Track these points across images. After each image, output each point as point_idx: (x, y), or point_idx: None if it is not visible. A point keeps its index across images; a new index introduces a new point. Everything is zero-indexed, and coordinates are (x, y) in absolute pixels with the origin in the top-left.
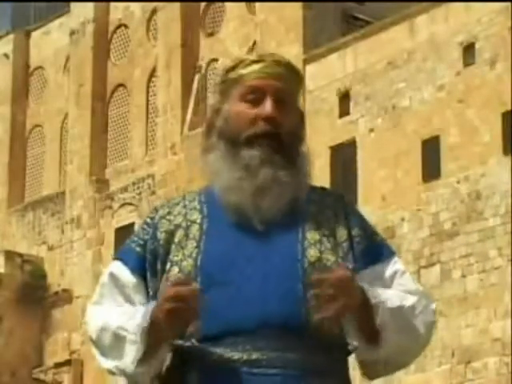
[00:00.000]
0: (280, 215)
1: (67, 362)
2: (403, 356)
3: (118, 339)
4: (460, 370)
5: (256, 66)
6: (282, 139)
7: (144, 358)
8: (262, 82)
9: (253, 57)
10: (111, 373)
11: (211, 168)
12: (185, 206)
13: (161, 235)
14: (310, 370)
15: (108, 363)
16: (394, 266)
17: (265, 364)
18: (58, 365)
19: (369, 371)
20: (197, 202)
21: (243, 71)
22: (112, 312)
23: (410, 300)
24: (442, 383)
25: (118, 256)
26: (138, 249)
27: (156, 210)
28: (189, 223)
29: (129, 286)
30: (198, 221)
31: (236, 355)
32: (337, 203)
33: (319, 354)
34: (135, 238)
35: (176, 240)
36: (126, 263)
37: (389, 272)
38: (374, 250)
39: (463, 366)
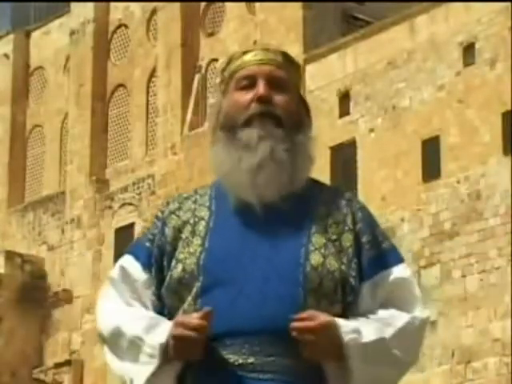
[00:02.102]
0: (282, 201)
1: (67, 363)
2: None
3: (134, 347)
4: (460, 370)
5: (247, 56)
6: (278, 118)
7: (155, 374)
8: (254, 69)
9: (243, 49)
10: (121, 375)
11: (215, 160)
12: (195, 202)
13: (169, 231)
14: (304, 377)
15: (120, 365)
16: (397, 274)
17: (259, 369)
18: (57, 365)
19: None
20: (207, 197)
21: (235, 65)
22: (124, 314)
23: (398, 322)
24: (441, 383)
25: (130, 250)
26: (147, 244)
27: (167, 203)
28: (196, 219)
29: (139, 281)
30: (206, 218)
31: (233, 358)
32: (347, 206)
33: (314, 361)
34: (146, 233)
35: (183, 236)
36: (137, 258)
37: (390, 282)
38: (380, 258)
39: (463, 366)
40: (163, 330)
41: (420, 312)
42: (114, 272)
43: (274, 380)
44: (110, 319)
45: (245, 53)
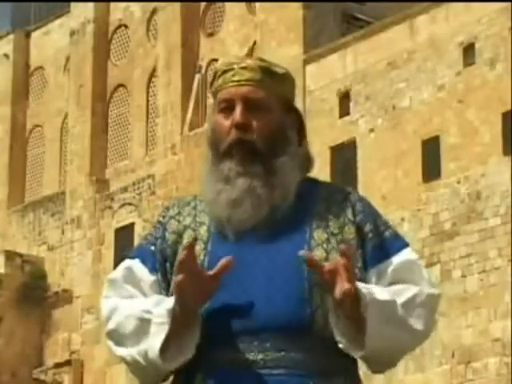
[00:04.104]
0: (263, 223)
1: (67, 363)
2: (395, 351)
3: (143, 323)
4: (460, 370)
5: (227, 76)
6: (256, 145)
7: (168, 346)
8: (231, 91)
9: (224, 66)
10: (128, 362)
11: (201, 180)
12: (195, 207)
13: (169, 236)
14: (316, 371)
15: (127, 350)
16: (402, 257)
17: (270, 365)
18: (58, 365)
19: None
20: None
21: (217, 83)
22: (129, 303)
23: (407, 293)
24: (442, 383)
25: (135, 254)
26: (152, 247)
27: (167, 209)
28: (197, 225)
29: (146, 282)
30: (207, 222)
31: (241, 356)
32: (346, 200)
33: (325, 354)
34: (149, 237)
35: (184, 241)
36: (143, 261)
37: (396, 265)
38: (384, 245)
39: (463, 366)
40: (171, 299)
41: (428, 288)
42: (117, 273)
43: (285, 375)
44: (114, 312)
45: (225, 71)
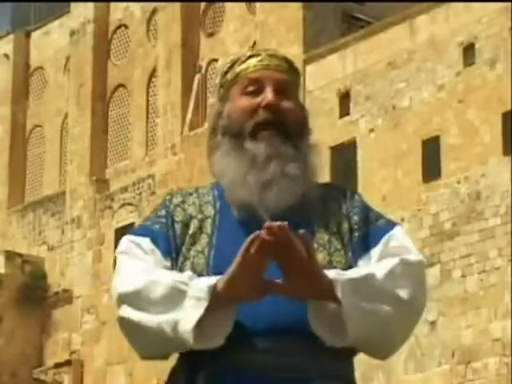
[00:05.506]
0: (288, 210)
1: (67, 363)
2: (382, 326)
3: (175, 293)
4: (460, 370)
5: (253, 60)
6: (286, 127)
7: (200, 325)
8: (261, 74)
9: (248, 52)
10: (141, 328)
11: (217, 166)
12: (198, 198)
13: (177, 225)
14: (318, 374)
15: (149, 317)
16: (385, 236)
17: (274, 368)
18: (58, 365)
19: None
20: (211, 196)
21: (240, 68)
22: (157, 270)
23: (387, 265)
24: (442, 383)
25: (143, 233)
26: (164, 230)
27: (170, 196)
28: (203, 217)
29: (161, 262)
30: (212, 215)
31: (245, 358)
32: (341, 197)
33: (327, 358)
34: (155, 220)
35: (190, 232)
36: (155, 243)
37: (381, 244)
38: (371, 235)
39: (463, 366)
40: (209, 278)
41: (411, 256)
42: (128, 245)
43: (288, 378)
44: (137, 276)
45: (250, 56)
